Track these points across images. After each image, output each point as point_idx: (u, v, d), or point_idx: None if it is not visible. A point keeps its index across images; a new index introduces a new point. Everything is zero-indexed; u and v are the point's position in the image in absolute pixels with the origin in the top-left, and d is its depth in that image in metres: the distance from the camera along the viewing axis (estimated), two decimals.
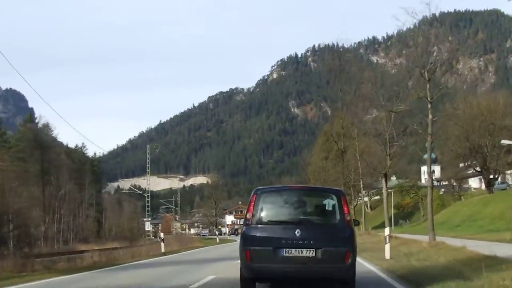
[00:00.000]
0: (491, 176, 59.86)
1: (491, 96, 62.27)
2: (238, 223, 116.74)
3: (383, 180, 34.71)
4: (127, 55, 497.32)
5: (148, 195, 62.26)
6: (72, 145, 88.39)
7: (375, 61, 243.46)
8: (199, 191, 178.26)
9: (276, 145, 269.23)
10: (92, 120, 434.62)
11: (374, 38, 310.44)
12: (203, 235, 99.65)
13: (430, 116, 22.77)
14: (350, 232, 8.66)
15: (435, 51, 24.90)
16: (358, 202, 70.62)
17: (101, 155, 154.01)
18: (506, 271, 9.53)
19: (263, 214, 8.77)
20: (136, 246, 34.07)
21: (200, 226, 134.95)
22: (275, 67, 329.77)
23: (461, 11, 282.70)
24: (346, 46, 51.16)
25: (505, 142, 38.17)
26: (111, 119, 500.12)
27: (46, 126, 67.53)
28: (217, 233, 74.34)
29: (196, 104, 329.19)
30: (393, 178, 77.66)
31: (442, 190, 77.28)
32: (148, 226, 38.30)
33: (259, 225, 8.67)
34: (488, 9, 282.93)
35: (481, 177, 69.15)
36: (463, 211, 45.72)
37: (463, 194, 66.31)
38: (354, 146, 44.99)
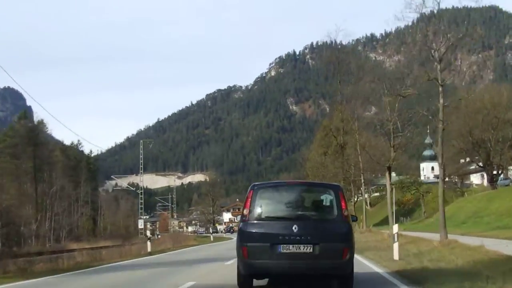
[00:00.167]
0: (494, 172, 58.50)
1: (494, 89, 60.78)
2: (235, 220, 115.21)
3: (387, 174, 33.03)
4: (126, 54, 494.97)
5: (141, 192, 60.74)
6: (68, 142, 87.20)
7: (374, 58, 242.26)
8: (197, 189, 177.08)
9: (274, 143, 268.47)
10: (91, 118, 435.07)
11: (373, 35, 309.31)
12: (199, 233, 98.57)
13: (441, 101, 20.90)
14: (348, 227, 8.55)
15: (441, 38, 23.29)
16: (359, 199, 69.30)
17: (99, 153, 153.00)
18: None
19: (260, 210, 8.66)
20: (127, 245, 32.53)
21: (198, 224, 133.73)
22: (273, 64, 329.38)
23: (459, 7, 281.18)
24: (344, 43, 49.98)
25: None
26: (110, 117, 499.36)
27: (41, 123, 66.21)
28: (211, 231, 72.68)
29: (194, 102, 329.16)
30: (393, 174, 76.25)
31: (444, 186, 75.89)
32: (141, 224, 36.97)
33: (256, 221, 8.58)
34: (487, 5, 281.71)
35: (483, 173, 67.92)
36: (467, 207, 44.28)
37: (466, 190, 64.88)
38: (354, 139, 43.43)
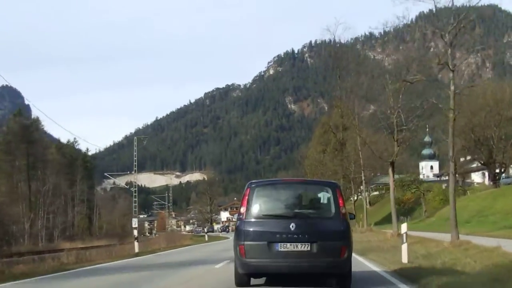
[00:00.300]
0: (497, 170, 57.34)
1: (497, 85, 59.58)
2: (233, 219, 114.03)
3: (390, 170, 31.79)
4: (124, 53, 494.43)
5: (135, 190, 59.45)
6: (65, 140, 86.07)
7: (372, 57, 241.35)
8: (195, 188, 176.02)
9: (273, 141, 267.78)
10: (90, 117, 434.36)
11: (371, 34, 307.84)
12: (196, 232, 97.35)
13: (452, 88, 19.56)
14: (345, 225, 8.45)
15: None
16: (358, 197, 68.09)
17: (98, 151, 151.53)
18: None
19: (257, 208, 8.57)
20: (118, 245, 31.36)
21: (195, 223, 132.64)
22: (272, 63, 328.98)
23: (457, 5, 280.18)
24: (343, 39, 48.88)
25: None
26: (109, 116, 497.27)
27: (36, 120, 65.14)
28: (205, 230, 71.30)
29: (192, 101, 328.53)
30: None
31: (444, 185, 74.67)
32: (135, 223, 35.62)
33: (253, 220, 8.49)
34: (485, 4, 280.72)
35: (484, 171, 66.77)
36: (471, 206, 43.02)
37: (468, 189, 63.68)
38: (355, 134, 42.19)
